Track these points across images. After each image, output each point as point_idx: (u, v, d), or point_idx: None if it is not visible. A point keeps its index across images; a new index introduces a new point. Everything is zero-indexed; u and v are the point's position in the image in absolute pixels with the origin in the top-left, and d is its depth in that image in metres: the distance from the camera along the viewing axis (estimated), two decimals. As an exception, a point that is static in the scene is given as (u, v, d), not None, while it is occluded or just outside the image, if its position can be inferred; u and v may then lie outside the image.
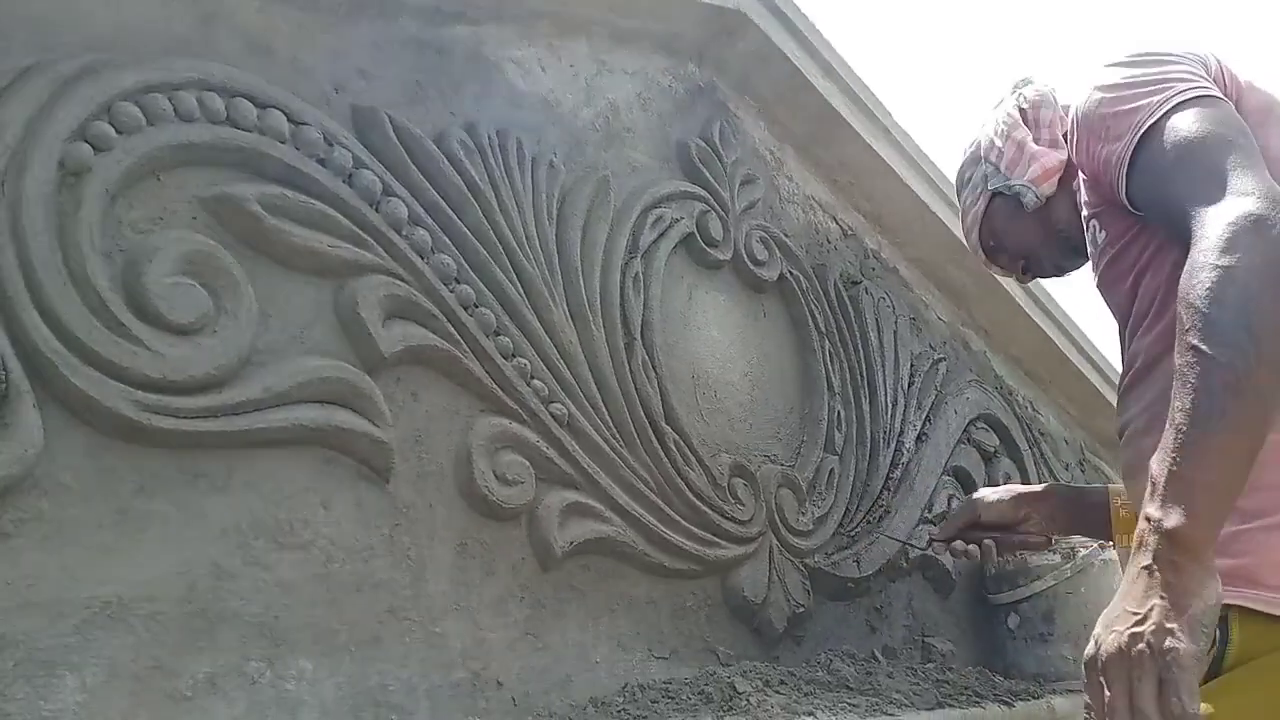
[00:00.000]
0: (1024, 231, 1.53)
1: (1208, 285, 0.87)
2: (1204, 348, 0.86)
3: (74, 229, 1.42)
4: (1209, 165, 0.96)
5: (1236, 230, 0.89)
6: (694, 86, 2.73)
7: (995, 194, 1.52)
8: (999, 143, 1.50)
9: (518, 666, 1.85)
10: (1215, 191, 0.93)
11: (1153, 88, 1.09)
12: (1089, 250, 1.32)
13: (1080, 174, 1.30)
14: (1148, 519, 0.85)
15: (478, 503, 1.85)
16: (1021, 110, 1.49)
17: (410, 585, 1.73)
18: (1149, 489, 0.87)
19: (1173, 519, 0.83)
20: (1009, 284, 3.57)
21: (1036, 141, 1.46)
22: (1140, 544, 0.86)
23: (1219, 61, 1.18)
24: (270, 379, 1.58)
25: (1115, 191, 1.13)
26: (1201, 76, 1.11)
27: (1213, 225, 0.91)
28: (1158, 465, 0.87)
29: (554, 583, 1.97)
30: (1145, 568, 0.84)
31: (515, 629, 1.87)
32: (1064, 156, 1.42)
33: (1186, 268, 0.91)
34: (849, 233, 3.18)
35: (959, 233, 3.33)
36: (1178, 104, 1.05)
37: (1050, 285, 3.72)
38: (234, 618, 1.50)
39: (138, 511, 1.44)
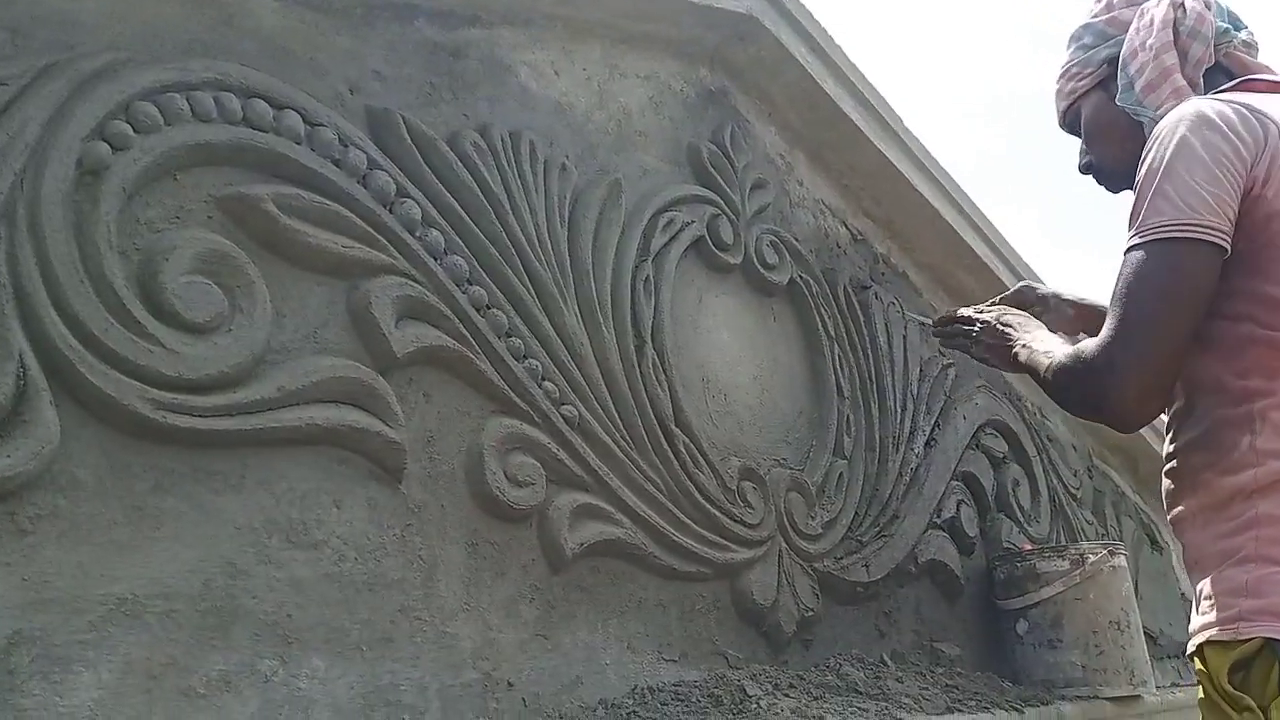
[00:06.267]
0: (1115, 138, 1.46)
1: (1071, 364, 1.30)
2: (1048, 379, 1.35)
3: (91, 227, 1.43)
4: (1136, 307, 1.20)
5: (1089, 359, 1.24)
6: (705, 91, 2.73)
7: (1108, 91, 1.44)
8: (1144, 56, 1.38)
9: (528, 667, 1.86)
10: (1121, 330, 1.20)
11: (1172, 202, 1.19)
12: None
13: None
14: (1024, 346, 1.46)
15: (489, 503, 1.86)
16: (1177, 32, 1.37)
17: (421, 585, 1.74)
18: (1033, 347, 1.44)
19: (1021, 356, 1.46)
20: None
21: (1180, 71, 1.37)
22: (1016, 350, 1.49)
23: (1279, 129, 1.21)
24: (284, 378, 1.59)
25: None
26: (1216, 207, 1.18)
27: (1098, 339, 1.24)
28: (1031, 353, 1.43)
29: (564, 584, 1.97)
30: (1009, 346, 1.51)
31: (525, 630, 1.88)
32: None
33: (1080, 345, 1.31)
34: (859, 237, 3.18)
35: (969, 238, 3.37)
36: (1167, 239, 1.19)
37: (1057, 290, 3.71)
38: (247, 616, 1.51)
39: (153, 509, 1.45)
